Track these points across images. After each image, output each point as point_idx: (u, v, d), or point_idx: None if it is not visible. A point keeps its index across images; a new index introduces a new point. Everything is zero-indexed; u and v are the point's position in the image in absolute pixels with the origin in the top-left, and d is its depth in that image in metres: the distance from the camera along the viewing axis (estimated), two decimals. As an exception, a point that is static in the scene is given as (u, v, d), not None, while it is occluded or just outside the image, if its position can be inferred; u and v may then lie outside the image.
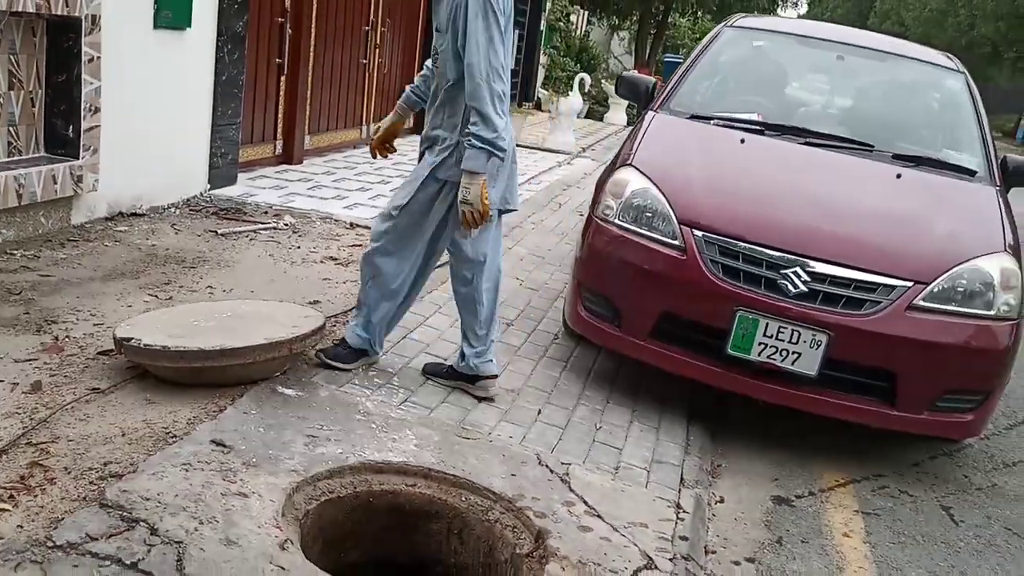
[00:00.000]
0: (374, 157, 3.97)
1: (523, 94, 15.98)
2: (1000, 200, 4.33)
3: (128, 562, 2.32)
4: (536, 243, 6.60)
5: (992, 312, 3.80)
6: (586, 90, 13.42)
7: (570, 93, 12.00)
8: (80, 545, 2.36)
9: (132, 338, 3.30)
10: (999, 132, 32.55)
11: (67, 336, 3.68)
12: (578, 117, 13.66)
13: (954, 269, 3.80)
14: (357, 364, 3.78)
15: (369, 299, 3.72)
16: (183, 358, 3.25)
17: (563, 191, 8.66)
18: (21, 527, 2.41)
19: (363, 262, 3.72)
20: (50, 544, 2.34)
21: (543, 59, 16.70)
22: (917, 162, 4.50)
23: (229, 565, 2.39)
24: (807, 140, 4.54)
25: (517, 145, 11.84)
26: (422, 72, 3.76)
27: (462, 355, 3.76)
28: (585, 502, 3.13)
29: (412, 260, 3.67)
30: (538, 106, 15.52)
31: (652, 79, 5.24)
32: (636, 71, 17.08)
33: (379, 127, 3.93)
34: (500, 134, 3.34)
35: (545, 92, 13.99)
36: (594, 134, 13.55)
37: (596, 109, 16.48)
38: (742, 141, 4.46)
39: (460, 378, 3.79)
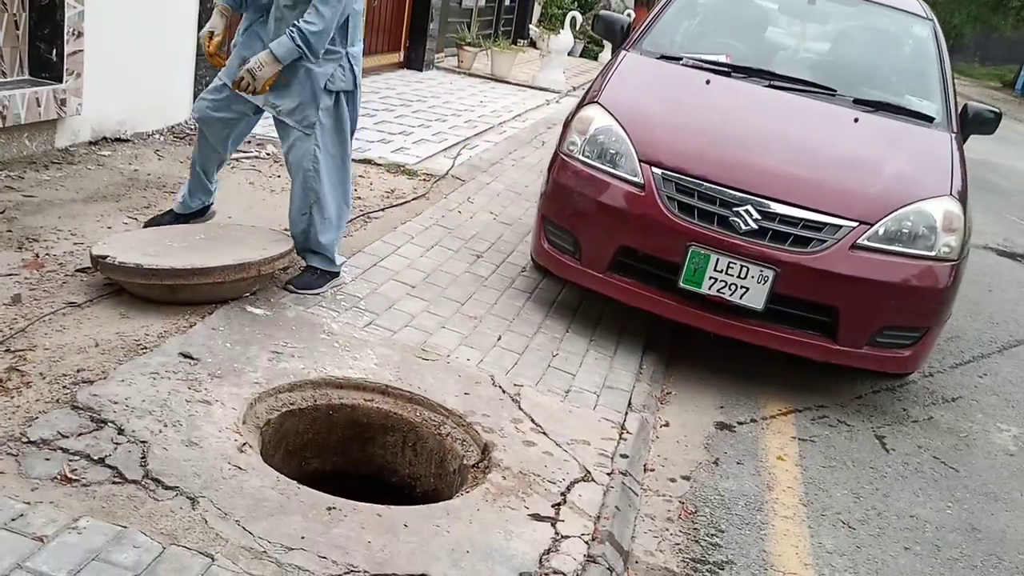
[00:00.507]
0: (215, 67, 3.92)
1: (517, 31, 15.91)
2: (953, 146, 4.47)
3: (96, 458, 2.52)
4: (514, 179, 6.73)
5: (933, 253, 3.97)
6: (578, 28, 13.37)
7: (561, 31, 11.98)
8: (52, 441, 2.56)
9: (108, 255, 3.46)
10: (999, 82, 32.33)
11: (47, 253, 3.84)
12: (571, 56, 13.66)
13: (899, 211, 3.96)
14: (326, 288, 3.96)
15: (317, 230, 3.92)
16: (155, 275, 3.42)
17: (548, 129, 8.75)
18: (-2, 424, 2.61)
19: (307, 196, 3.86)
20: (24, 440, 2.54)
21: (539, -5, 16.57)
22: (877, 107, 4.62)
23: (190, 463, 2.60)
24: (771, 83, 4.66)
25: (507, 82, 11.70)
26: None
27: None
28: (532, 420, 3.34)
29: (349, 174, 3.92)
30: (533, 44, 15.46)
31: (627, 19, 5.33)
32: (633, 11, 17.00)
33: (211, 32, 3.80)
34: (321, 39, 3.52)
35: (536, 30, 13.93)
36: (586, 73, 13.54)
37: (591, 48, 16.40)
38: (707, 82, 4.58)
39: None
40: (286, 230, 4.25)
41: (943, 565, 3.20)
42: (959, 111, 4.78)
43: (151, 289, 3.48)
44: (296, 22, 3.51)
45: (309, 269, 3.96)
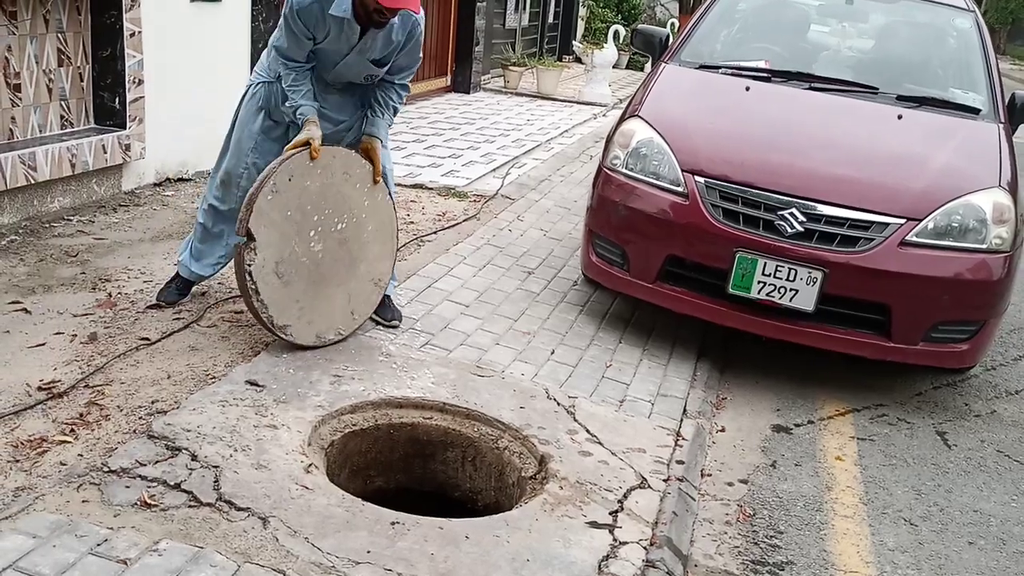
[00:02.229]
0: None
1: (562, 48, 16.04)
2: (1002, 137, 4.43)
3: (172, 483, 2.67)
4: (563, 195, 6.82)
5: (984, 246, 3.95)
6: (622, 41, 13.45)
7: (605, 46, 12.07)
8: (131, 470, 2.71)
9: (251, 267, 3.39)
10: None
11: (120, 293, 4.04)
12: (616, 68, 13.72)
13: (947, 205, 3.95)
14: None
15: None
16: (275, 329, 3.53)
17: (595, 143, 8.83)
18: (81, 456, 2.77)
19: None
20: (106, 469, 2.70)
21: (582, 11, 16.69)
22: (920, 102, 4.61)
23: (260, 485, 2.73)
24: (811, 85, 4.68)
25: (553, 99, 11.83)
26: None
27: None
28: (587, 430, 3.41)
29: None
30: (578, 60, 15.58)
31: (665, 31, 5.39)
32: (678, 20, 17.00)
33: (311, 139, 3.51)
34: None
35: (580, 45, 14.05)
36: (632, 85, 13.59)
37: (637, 60, 16.45)
38: (747, 89, 4.62)
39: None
40: None
41: (1009, 559, 3.17)
42: (1007, 101, 4.74)
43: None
44: (390, 104, 3.70)
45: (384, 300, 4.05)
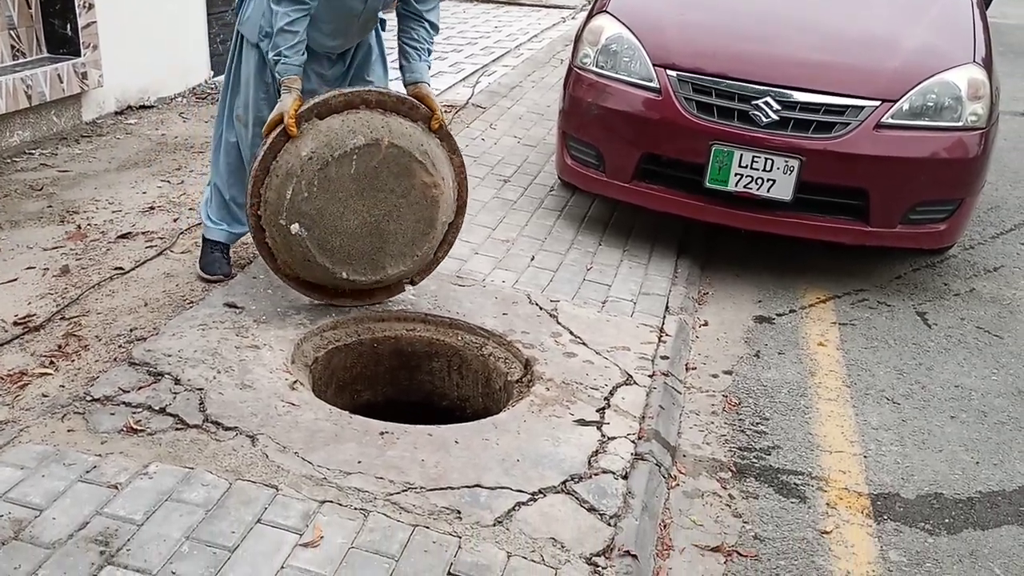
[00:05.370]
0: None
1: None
2: (975, 11, 4.35)
3: (157, 408, 2.66)
4: (535, 101, 6.70)
5: (960, 123, 3.91)
6: (588, -61, 13.08)
7: (571, -56, 11.72)
8: (115, 397, 2.69)
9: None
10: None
11: (89, 224, 3.97)
12: (583, -31, 13.36)
13: (921, 84, 3.89)
14: None
15: None
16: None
17: (564, 47, 8.64)
18: (63, 387, 2.75)
19: None
20: (89, 398, 2.68)
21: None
22: (893, -19, 4.52)
23: (245, 404, 2.72)
24: (781, -30, 4.57)
25: (520, 4, 11.49)
26: None
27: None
28: (571, 332, 3.41)
29: None
30: (544, -39, 15.17)
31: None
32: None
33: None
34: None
35: (547, -55, 13.66)
36: (601, -15, 13.29)
37: (604, -42, 16.06)
38: (715, -23, 4.51)
39: None
40: None
41: (990, 429, 3.23)
42: (980, -25, 4.65)
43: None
44: (424, 45, 3.35)
45: None
